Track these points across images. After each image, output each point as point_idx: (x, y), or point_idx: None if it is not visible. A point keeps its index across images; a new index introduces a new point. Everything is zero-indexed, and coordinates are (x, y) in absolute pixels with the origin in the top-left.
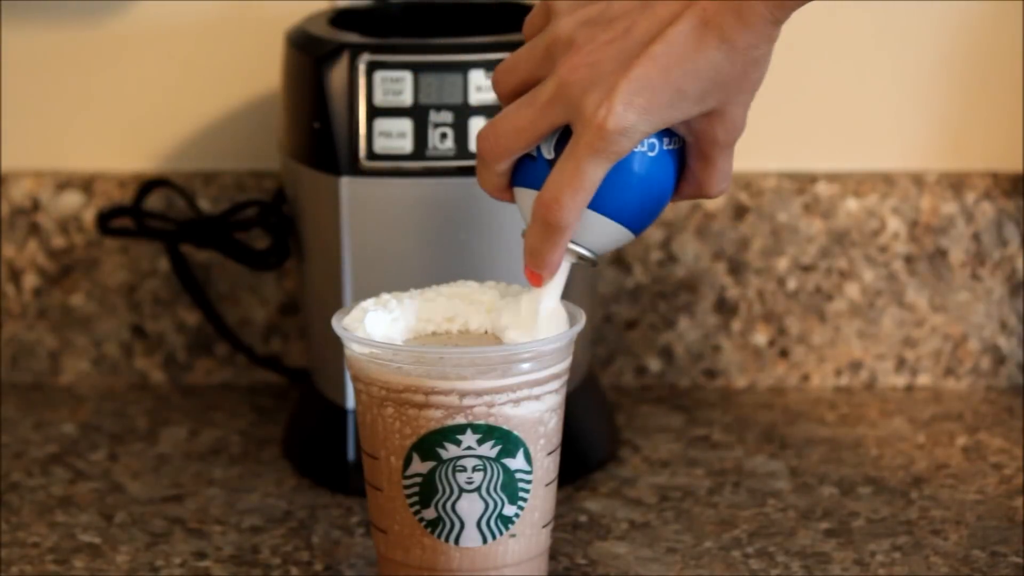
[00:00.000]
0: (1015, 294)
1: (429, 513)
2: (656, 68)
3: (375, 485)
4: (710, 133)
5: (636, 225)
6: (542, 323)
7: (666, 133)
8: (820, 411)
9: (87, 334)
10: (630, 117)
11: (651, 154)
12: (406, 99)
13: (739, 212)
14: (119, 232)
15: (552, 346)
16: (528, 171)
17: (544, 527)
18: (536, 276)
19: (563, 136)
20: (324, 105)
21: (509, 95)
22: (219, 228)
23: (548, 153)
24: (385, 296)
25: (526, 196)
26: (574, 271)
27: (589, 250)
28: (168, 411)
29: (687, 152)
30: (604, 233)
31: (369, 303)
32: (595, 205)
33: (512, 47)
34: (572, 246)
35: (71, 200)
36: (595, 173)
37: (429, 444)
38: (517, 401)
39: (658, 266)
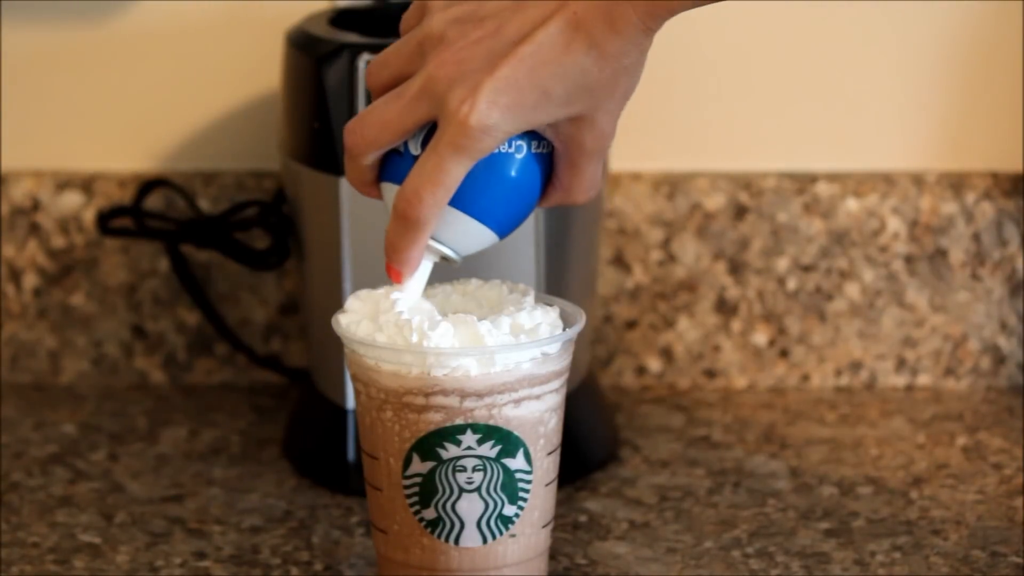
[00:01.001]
0: (1015, 294)
1: (429, 513)
2: (523, 68)
3: (375, 485)
4: (578, 139)
5: (500, 227)
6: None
7: (535, 136)
8: (820, 411)
9: (87, 334)
10: (493, 115)
11: (518, 156)
12: None
13: (739, 212)
14: (119, 232)
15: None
16: (395, 166)
17: (544, 527)
18: (396, 272)
19: (431, 133)
20: (324, 105)
21: (380, 89)
22: (219, 228)
23: (415, 149)
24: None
25: (391, 191)
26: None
27: (452, 249)
28: (168, 411)
29: (555, 158)
30: (467, 233)
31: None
32: (459, 204)
33: None
34: (434, 244)
35: (71, 200)
36: (456, 170)
37: (429, 444)
38: (518, 401)
39: (658, 266)
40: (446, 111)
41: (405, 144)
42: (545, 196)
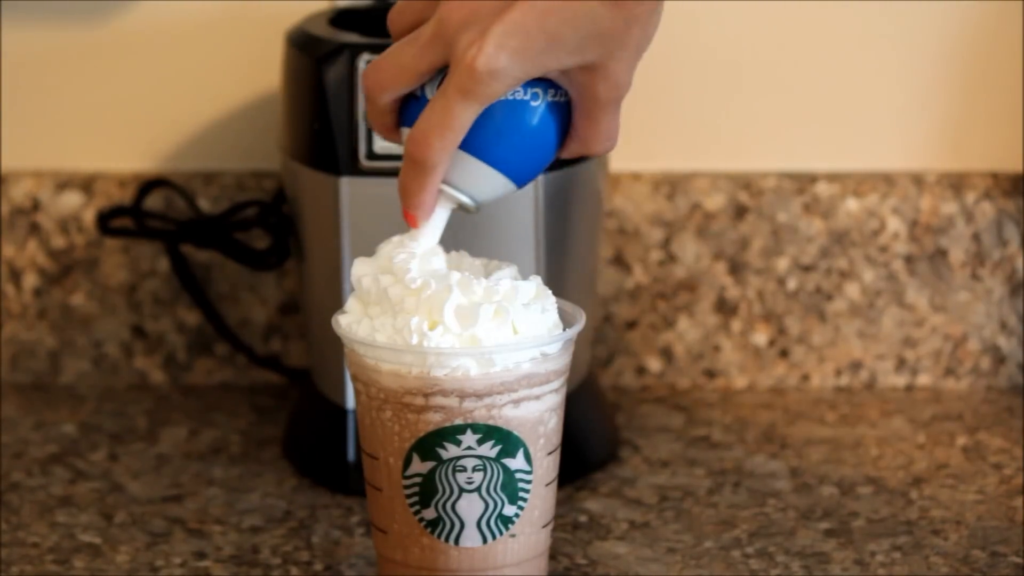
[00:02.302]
0: (1015, 294)
1: (429, 513)
2: (533, 13)
3: (375, 485)
4: (591, 88)
5: (516, 175)
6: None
7: (552, 85)
8: (820, 411)
9: (87, 334)
10: (501, 59)
11: (534, 103)
12: None
13: (739, 212)
14: (119, 232)
15: (555, 346)
16: (413, 111)
17: (544, 527)
18: (411, 217)
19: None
20: (324, 105)
21: (400, 34)
22: (219, 228)
23: (432, 94)
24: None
25: None
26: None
27: (467, 195)
28: (168, 411)
29: (572, 108)
30: (482, 180)
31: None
32: (473, 150)
33: None
34: (449, 190)
35: (71, 200)
36: (464, 114)
37: (429, 444)
38: (517, 402)
39: (658, 266)
40: (455, 54)
41: (423, 89)
42: (563, 147)
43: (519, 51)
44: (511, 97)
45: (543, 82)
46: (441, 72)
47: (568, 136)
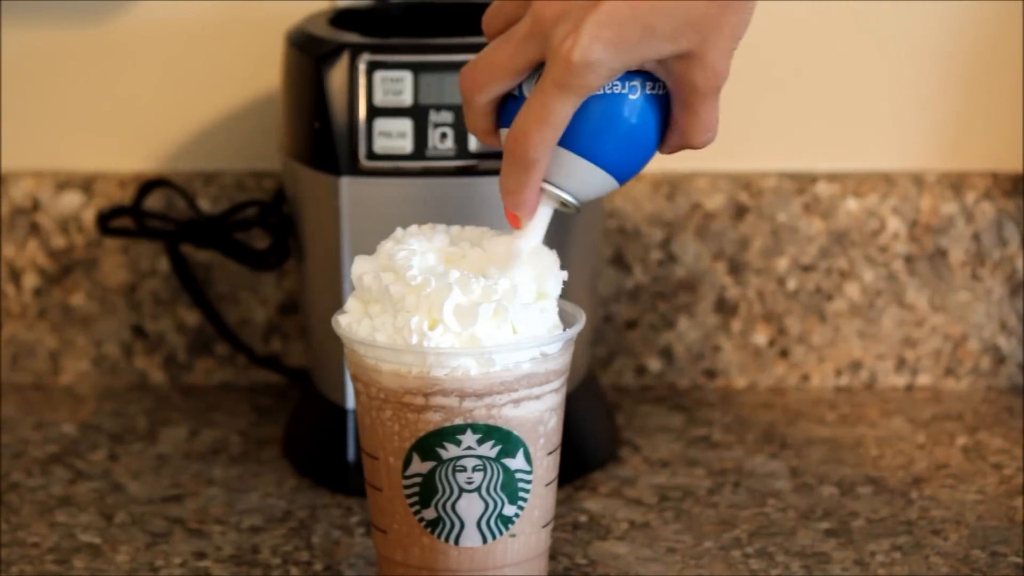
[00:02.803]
0: (1015, 294)
1: (429, 513)
2: (626, 3)
3: (375, 485)
4: (688, 78)
5: (618, 171)
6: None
7: (649, 77)
8: (820, 411)
9: (87, 334)
10: (596, 51)
11: (632, 97)
12: (406, 99)
13: (739, 212)
14: (119, 232)
15: (556, 345)
16: (511, 111)
17: (544, 527)
18: (514, 217)
19: None
20: (324, 105)
21: (494, 35)
22: (219, 228)
23: (529, 92)
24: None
25: None
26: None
27: (569, 193)
28: (168, 411)
29: (671, 101)
30: (583, 177)
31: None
32: (573, 146)
33: None
34: (551, 188)
35: (71, 200)
36: (562, 108)
37: (429, 444)
38: (517, 401)
39: (658, 266)
40: (551, 48)
41: (520, 88)
42: (664, 141)
43: (614, 41)
44: (609, 91)
45: (641, 75)
46: (538, 70)
47: (668, 130)
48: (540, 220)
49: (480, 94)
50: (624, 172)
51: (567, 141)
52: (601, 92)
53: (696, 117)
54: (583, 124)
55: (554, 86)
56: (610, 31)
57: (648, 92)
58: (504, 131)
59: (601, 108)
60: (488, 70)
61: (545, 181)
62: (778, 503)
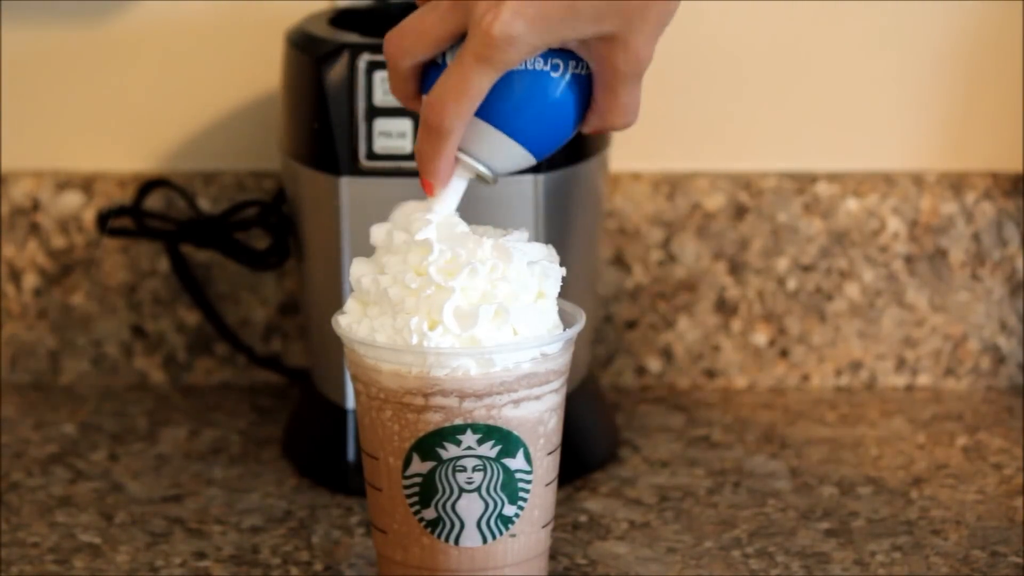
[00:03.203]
0: (1015, 294)
1: (429, 513)
2: None
3: (375, 485)
4: (611, 60)
5: (535, 147)
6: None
7: (573, 58)
8: (820, 411)
9: (87, 334)
10: (517, 26)
11: (554, 75)
12: None
13: (739, 212)
14: (119, 232)
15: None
16: (433, 79)
17: (544, 527)
18: (428, 184)
19: None
20: (324, 105)
21: (424, 1)
22: (219, 228)
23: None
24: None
25: None
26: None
27: (485, 165)
28: (168, 411)
29: (593, 82)
30: (500, 150)
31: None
32: (491, 119)
33: None
34: (466, 158)
35: (71, 200)
36: (479, 80)
37: (429, 444)
38: (517, 402)
39: (658, 266)
40: (473, 20)
41: (443, 56)
42: (585, 121)
43: (536, 18)
44: (531, 68)
45: (565, 54)
46: (461, 40)
47: (589, 110)
48: (453, 189)
49: (404, 59)
50: (541, 148)
51: (486, 113)
52: (523, 68)
53: (616, 100)
54: (503, 98)
55: (473, 58)
56: (533, 8)
57: (571, 72)
58: (425, 98)
59: (522, 84)
60: (412, 36)
61: (461, 151)
62: (778, 503)
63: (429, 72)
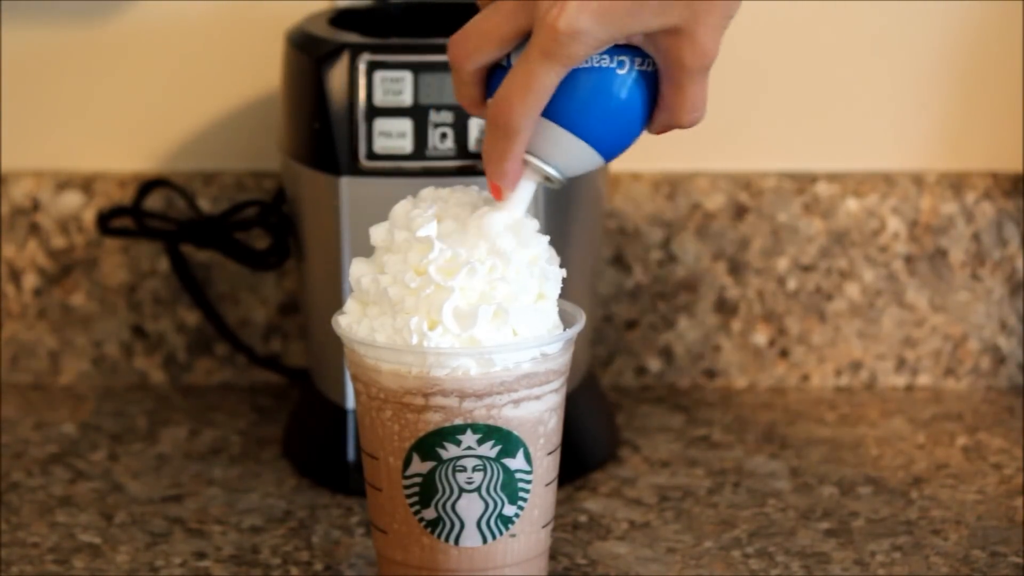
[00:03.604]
0: (1015, 294)
1: (429, 513)
2: None
3: (375, 485)
4: (677, 54)
5: (604, 147)
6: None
7: (639, 53)
8: (820, 411)
9: (87, 334)
10: (583, 20)
11: (620, 72)
12: (406, 99)
13: (739, 212)
14: (119, 232)
15: (556, 345)
16: (499, 81)
17: (544, 527)
18: (496, 188)
19: None
20: (324, 105)
21: (486, 4)
22: (219, 228)
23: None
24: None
25: None
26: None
27: (553, 167)
28: (168, 411)
29: (660, 78)
30: (568, 150)
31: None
32: (559, 119)
33: None
34: (534, 160)
35: (71, 200)
36: (546, 77)
37: (429, 444)
38: (517, 402)
39: (658, 266)
40: (538, 17)
41: (508, 58)
42: (652, 119)
43: (601, 12)
44: (597, 65)
45: (630, 50)
46: (526, 41)
47: (656, 107)
48: (522, 192)
49: (468, 62)
50: (610, 148)
51: (553, 113)
52: (589, 65)
53: (683, 95)
54: (570, 97)
55: (539, 55)
56: (597, 2)
57: (637, 68)
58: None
59: (588, 81)
60: (476, 38)
61: (529, 153)
62: (778, 503)
63: (494, 75)
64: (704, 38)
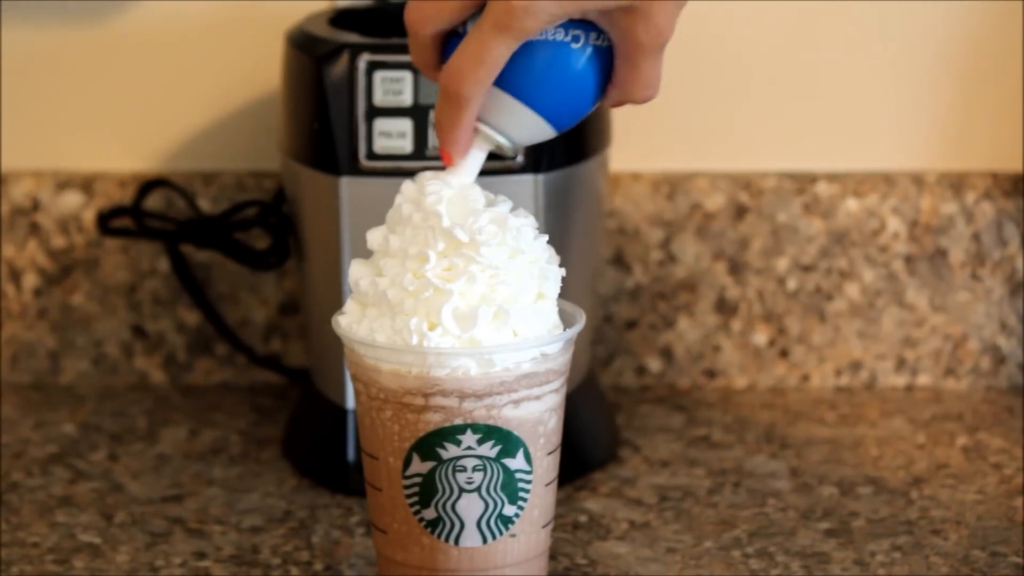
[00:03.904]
0: (1015, 294)
1: (429, 513)
2: None
3: (375, 485)
4: (632, 32)
5: (555, 118)
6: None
7: (594, 29)
8: (820, 411)
9: (87, 334)
10: None
11: (574, 46)
12: (406, 99)
13: (739, 212)
14: (119, 232)
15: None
16: (454, 48)
17: (544, 527)
18: (447, 154)
19: None
20: (324, 105)
21: None
22: (219, 228)
23: None
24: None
25: None
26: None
27: (504, 136)
28: (168, 411)
29: (614, 54)
30: (519, 121)
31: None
32: (511, 89)
33: None
34: (485, 128)
35: (71, 200)
36: (498, 48)
37: (429, 444)
38: (517, 402)
39: (658, 266)
40: None
41: (464, 25)
42: (605, 94)
43: None
44: (551, 38)
45: (586, 25)
46: (482, 9)
47: (610, 83)
48: (472, 160)
49: (424, 27)
50: (561, 120)
51: (506, 83)
52: (543, 38)
53: (637, 72)
54: (523, 68)
55: (492, 26)
56: None
57: (591, 43)
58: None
59: (541, 54)
60: (434, 4)
61: (481, 121)
62: (778, 503)
63: (450, 41)
64: (659, 17)
